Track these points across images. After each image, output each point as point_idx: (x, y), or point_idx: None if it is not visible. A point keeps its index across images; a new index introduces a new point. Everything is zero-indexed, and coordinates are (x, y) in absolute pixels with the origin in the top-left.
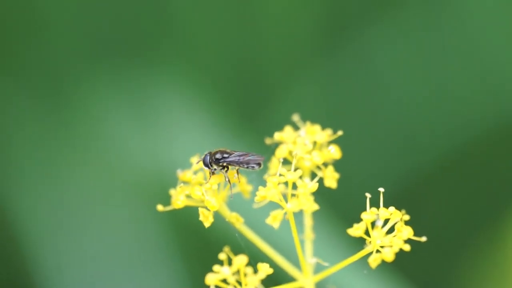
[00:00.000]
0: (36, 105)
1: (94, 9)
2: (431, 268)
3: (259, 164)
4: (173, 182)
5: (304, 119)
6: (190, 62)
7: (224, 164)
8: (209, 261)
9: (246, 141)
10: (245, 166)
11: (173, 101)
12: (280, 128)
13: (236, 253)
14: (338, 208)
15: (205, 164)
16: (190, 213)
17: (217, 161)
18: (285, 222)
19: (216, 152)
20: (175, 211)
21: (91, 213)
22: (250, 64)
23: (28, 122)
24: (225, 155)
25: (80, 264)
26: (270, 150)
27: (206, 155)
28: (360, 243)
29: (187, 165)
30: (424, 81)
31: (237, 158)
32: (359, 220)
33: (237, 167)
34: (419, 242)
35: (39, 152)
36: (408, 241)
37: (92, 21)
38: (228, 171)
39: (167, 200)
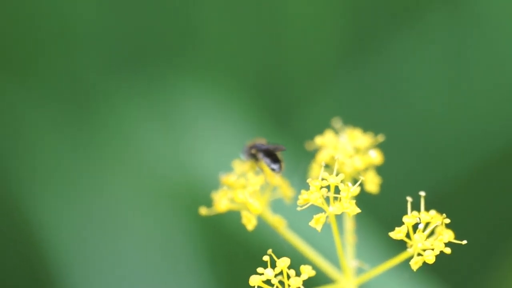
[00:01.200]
0: (63, 115)
1: (119, 19)
2: (464, 272)
3: (279, 164)
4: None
5: (340, 120)
6: (218, 69)
7: (253, 152)
8: (248, 267)
9: (282, 142)
10: (268, 161)
11: (202, 109)
12: (315, 130)
13: (279, 256)
14: (376, 212)
15: (242, 152)
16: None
17: (249, 150)
18: (327, 226)
19: (254, 141)
20: (206, 220)
21: (118, 222)
22: (277, 72)
23: (55, 132)
24: (258, 145)
25: (107, 273)
26: (310, 155)
27: (245, 144)
28: (399, 247)
29: (218, 173)
30: (451, 91)
31: (264, 147)
32: (397, 224)
33: (262, 159)
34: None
35: (65, 162)
36: (448, 244)
37: (118, 31)
38: (259, 162)
39: (197, 208)
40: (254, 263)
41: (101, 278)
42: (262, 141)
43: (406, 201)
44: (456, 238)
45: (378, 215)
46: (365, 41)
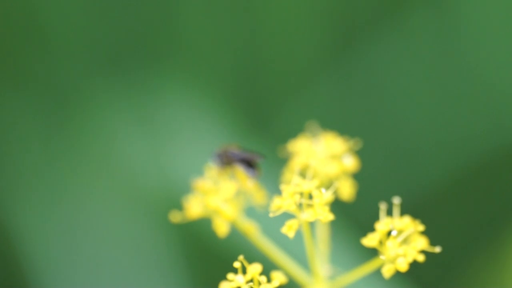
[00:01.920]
0: (42, 119)
1: (100, 22)
2: (441, 279)
3: (255, 170)
4: (180, 194)
5: (315, 125)
6: (198, 72)
7: (227, 160)
8: (222, 271)
9: (259, 147)
10: (243, 167)
11: (181, 112)
12: (291, 134)
13: (250, 262)
14: (352, 217)
15: (213, 158)
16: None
17: (221, 156)
18: (301, 232)
19: (225, 148)
20: (182, 224)
21: (96, 225)
22: (258, 74)
23: (34, 135)
24: (233, 153)
25: (84, 275)
26: (284, 160)
27: (215, 150)
28: (376, 252)
29: (195, 176)
30: (433, 91)
31: (239, 155)
32: (373, 230)
33: (238, 166)
34: (430, 253)
35: (44, 166)
36: (422, 251)
37: (98, 34)
38: (233, 169)
39: (174, 211)
40: (227, 267)
41: (81, 281)
42: (234, 147)
43: (384, 206)
44: (434, 244)
45: (356, 220)
46: (346, 43)
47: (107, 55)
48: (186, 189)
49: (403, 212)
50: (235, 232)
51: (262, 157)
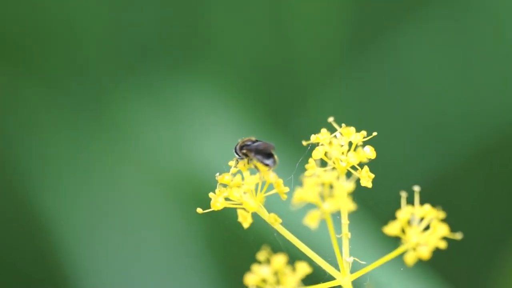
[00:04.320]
0: (72, 112)
1: (128, 19)
2: (465, 265)
3: (273, 159)
4: (206, 184)
5: (335, 116)
6: (222, 67)
7: (244, 151)
8: (246, 261)
9: (279, 143)
10: (260, 157)
11: (205, 105)
12: (312, 129)
13: (274, 253)
14: (373, 206)
15: (235, 151)
16: (226, 214)
17: (240, 148)
18: (322, 222)
19: (244, 140)
20: (210, 213)
21: (125, 213)
22: (280, 69)
23: (64, 128)
24: (249, 143)
25: (114, 260)
26: (306, 152)
27: (237, 142)
28: (397, 241)
29: (219, 168)
30: (453, 80)
31: (254, 146)
32: (394, 218)
33: (254, 157)
34: (453, 239)
35: (74, 157)
36: (444, 238)
37: (126, 31)
38: (251, 161)
39: (200, 201)
40: (250, 250)
41: (108, 264)
42: (251, 139)
43: (404, 194)
44: (458, 230)
45: (375, 209)
46: (366, 39)
47: (136, 51)
48: (207, 175)
49: (425, 198)
50: (259, 221)
51: (273, 146)
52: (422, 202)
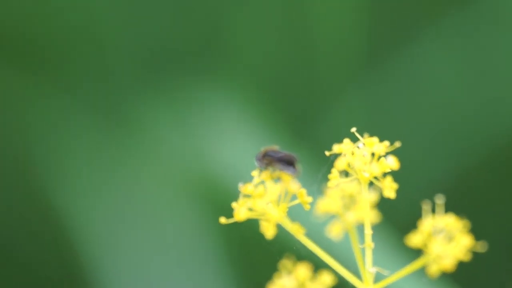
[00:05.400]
0: (92, 116)
1: (148, 25)
2: (485, 271)
3: (295, 168)
4: (225, 190)
5: (356, 125)
6: (241, 74)
7: (267, 161)
8: (269, 271)
9: (301, 151)
10: (282, 166)
11: (224, 111)
12: (332, 138)
13: (297, 263)
14: (396, 216)
15: (256, 160)
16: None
17: (262, 158)
18: (345, 232)
19: (266, 150)
20: (227, 213)
21: (144, 217)
22: (300, 77)
23: (85, 135)
24: (271, 152)
25: (131, 264)
26: (329, 162)
27: (259, 151)
28: (420, 251)
29: (239, 173)
30: (470, 90)
31: (277, 155)
32: (416, 227)
33: (277, 166)
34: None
35: (95, 162)
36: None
37: (146, 37)
38: (275, 170)
39: (220, 206)
40: (274, 262)
41: (127, 265)
42: (274, 148)
43: (428, 205)
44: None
45: (397, 219)
46: (384, 50)
47: (155, 56)
48: (227, 180)
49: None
50: (282, 231)
51: (297, 157)
52: (449, 201)
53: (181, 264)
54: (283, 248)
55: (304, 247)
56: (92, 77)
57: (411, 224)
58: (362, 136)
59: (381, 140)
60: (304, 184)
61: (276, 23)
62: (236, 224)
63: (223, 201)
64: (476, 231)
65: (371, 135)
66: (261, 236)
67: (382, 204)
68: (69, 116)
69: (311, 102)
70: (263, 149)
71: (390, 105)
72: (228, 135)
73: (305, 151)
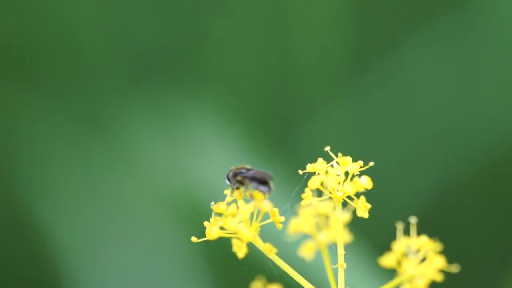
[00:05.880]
0: (75, 128)
1: (131, 35)
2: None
3: (268, 187)
4: (203, 204)
5: (334, 141)
6: (222, 86)
7: (239, 178)
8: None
9: (277, 166)
10: (255, 184)
11: (205, 125)
12: (311, 151)
13: (270, 283)
14: (370, 233)
15: (227, 179)
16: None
17: (234, 176)
18: (318, 252)
19: (237, 168)
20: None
21: (124, 230)
22: (282, 88)
23: (67, 143)
24: (243, 171)
25: (111, 273)
26: (302, 181)
27: (229, 171)
28: (393, 271)
29: (217, 188)
30: (458, 97)
31: (250, 173)
32: (390, 247)
33: (250, 184)
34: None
35: (76, 172)
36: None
37: (129, 48)
38: (247, 189)
39: (196, 220)
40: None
41: (106, 278)
42: (246, 167)
43: (403, 223)
44: (458, 252)
45: (373, 238)
46: (368, 58)
47: (138, 69)
48: (206, 194)
49: (426, 220)
50: (254, 250)
51: (272, 176)
52: (426, 221)
53: (158, 280)
54: (255, 268)
55: (276, 266)
56: (75, 88)
57: (386, 244)
58: (336, 155)
59: (362, 153)
60: (277, 203)
61: (258, 32)
62: (209, 242)
63: (202, 215)
64: (462, 247)
65: (352, 148)
66: (233, 255)
67: (358, 223)
68: (51, 126)
69: (291, 113)
70: (233, 167)
71: (373, 115)
72: (207, 148)
73: (281, 166)
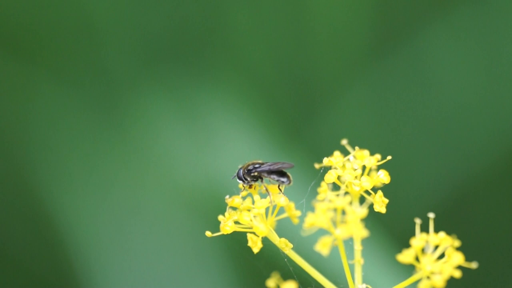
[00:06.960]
0: (89, 114)
1: (148, 21)
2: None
3: (287, 177)
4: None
5: (351, 131)
6: (240, 74)
7: (256, 174)
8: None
9: (294, 158)
10: (275, 176)
11: (223, 114)
12: (328, 141)
13: (285, 279)
14: (388, 227)
15: (239, 178)
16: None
17: (249, 172)
18: (334, 247)
19: (248, 165)
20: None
21: (141, 222)
22: (299, 75)
23: (81, 130)
24: (256, 166)
25: (127, 272)
26: (319, 175)
27: (239, 169)
28: (411, 267)
29: (234, 181)
30: (479, 84)
31: (267, 167)
32: (409, 242)
33: (268, 177)
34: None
35: (91, 161)
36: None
37: (146, 33)
38: (263, 182)
39: (214, 211)
40: (261, 278)
41: (123, 273)
42: (257, 162)
43: (421, 218)
44: (477, 248)
45: (390, 233)
46: (387, 45)
47: (156, 56)
48: (224, 186)
49: (445, 214)
50: (269, 245)
51: (292, 164)
52: (445, 215)
53: (174, 273)
54: (271, 263)
55: (292, 262)
56: (91, 74)
57: (404, 240)
58: (353, 145)
59: (380, 143)
60: (293, 198)
61: (277, 21)
62: (227, 236)
63: (217, 209)
64: (482, 241)
65: (370, 138)
66: (248, 250)
67: (376, 217)
68: (66, 114)
69: (309, 102)
70: (242, 165)
71: (389, 106)
72: (225, 138)
73: (300, 157)
